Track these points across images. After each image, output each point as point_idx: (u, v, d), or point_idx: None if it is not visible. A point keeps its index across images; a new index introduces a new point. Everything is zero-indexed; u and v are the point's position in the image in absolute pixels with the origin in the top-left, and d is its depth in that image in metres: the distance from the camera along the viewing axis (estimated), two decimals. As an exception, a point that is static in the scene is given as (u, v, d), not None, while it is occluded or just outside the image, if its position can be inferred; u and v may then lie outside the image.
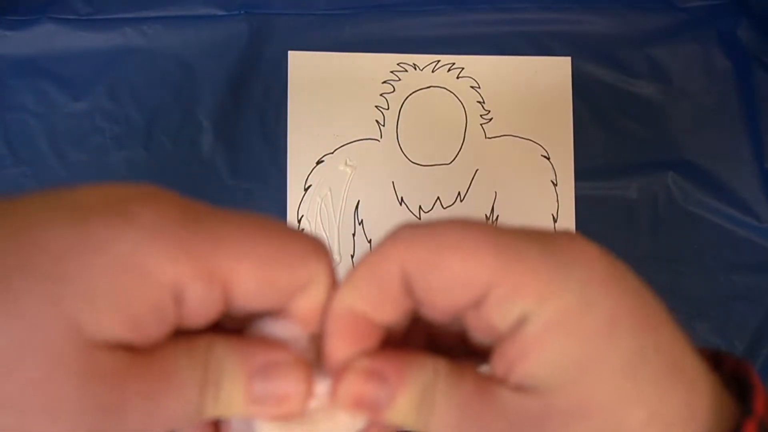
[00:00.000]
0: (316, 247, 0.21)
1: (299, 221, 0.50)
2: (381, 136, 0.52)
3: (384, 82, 0.52)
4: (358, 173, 0.51)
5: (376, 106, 0.52)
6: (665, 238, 0.54)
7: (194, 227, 0.20)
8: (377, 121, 0.52)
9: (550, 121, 0.53)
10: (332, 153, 0.52)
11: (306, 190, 0.51)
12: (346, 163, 0.51)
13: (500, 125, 0.53)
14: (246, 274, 0.20)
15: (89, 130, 0.51)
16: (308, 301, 0.21)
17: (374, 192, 0.51)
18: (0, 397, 0.17)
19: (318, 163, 0.51)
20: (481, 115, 0.53)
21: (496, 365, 0.21)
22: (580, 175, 0.53)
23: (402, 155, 0.52)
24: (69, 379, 0.17)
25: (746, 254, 0.54)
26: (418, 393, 0.21)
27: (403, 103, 0.52)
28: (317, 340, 0.22)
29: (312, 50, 0.52)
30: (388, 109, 0.52)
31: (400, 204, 0.51)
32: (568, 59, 0.54)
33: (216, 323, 0.21)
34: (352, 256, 0.50)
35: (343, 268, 0.49)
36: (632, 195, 0.54)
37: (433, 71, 0.53)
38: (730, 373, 0.23)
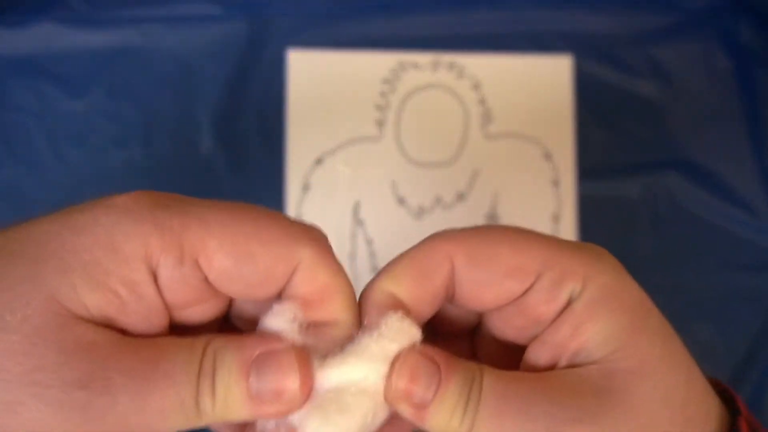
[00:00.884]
0: (304, 229, 0.22)
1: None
2: (381, 136, 0.52)
3: (384, 81, 0.52)
4: (358, 173, 0.51)
5: (376, 106, 0.52)
6: (665, 238, 0.53)
7: (165, 208, 0.21)
8: (377, 120, 0.52)
9: (551, 120, 0.53)
10: (332, 152, 0.51)
11: (305, 190, 0.51)
12: (345, 163, 0.51)
13: (501, 125, 0.53)
14: (218, 249, 0.20)
15: (88, 130, 0.51)
16: (303, 283, 0.22)
17: (374, 192, 0.51)
18: (2, 354, 0.18)
19: (317, 162, 0.51)
20: (481, 115, 0.53)
21: (539, 353, 0.22)
22: (580, 174, 0.53)
23: (402, 155, 0.52)
24: (48, 350, 0.18)
25: (746, 254, 0.54)
26: (464, 386, 0.21)
27: (403, 102, 0.52)
28: (314, 329, 0.22)
29: (312, 50, 0.52)
30: (388, 108, 0.52)
31: (400, 204, 0.51)
32: (569, 59, 0.54)
33: (231, 329, 0.23)
34: (352, 257, 0.50)
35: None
36: (632, 195, 0.54)
37: (433, 70, 0.53)
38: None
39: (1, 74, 0.51)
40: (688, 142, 0.54)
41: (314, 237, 0.22)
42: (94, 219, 0.21)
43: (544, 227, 0.52)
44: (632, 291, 0.23)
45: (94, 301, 0.20)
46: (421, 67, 0.53)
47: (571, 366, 0.21)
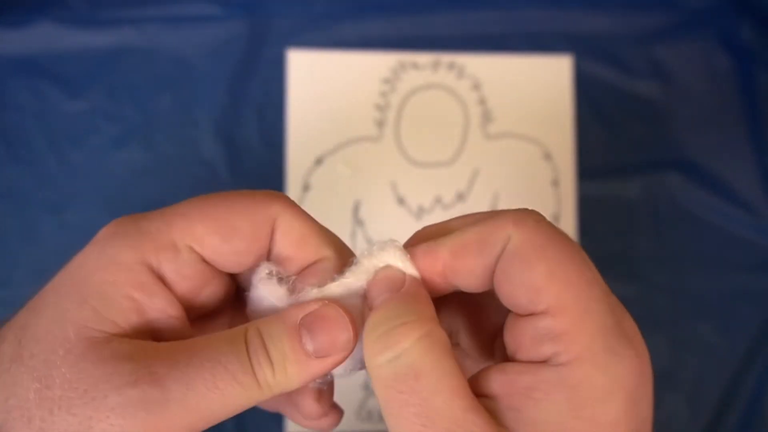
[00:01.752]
0: (269, 193, 0.24)
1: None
2: (381, 136, 0.52)
3: (384, 81, 0.52)
4: (358, 173, 0.51)
5: (376, 106, 0.52)
6: (665, 238, 0.53)
7: (145, 219, 0.23)
8: (377, 120, 0.52)
9: (551, 120, 0.53)
10: (332, 152, 0.51)
11: (305, 190, 0.51)
12: (345, 163, 0.51)
13: (501, 125, 0.53)
14: (204, 232, 0.23)
15: (88, 130, 0.51)
16: (284, 237, 0.24)
17: (374, 192, 0.51)
18: (61, 386, 0.21)
19: (317, 162, 0.51)
20: (481, 115, 0.53)
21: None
22: (580, 174, 0.53)
23: (402, 155, 0.52)
24: (95, 369, 0.21)
25: (747, 254, 0.54)
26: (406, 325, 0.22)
27: (403, 102, 0.52)
28: (306, 271, 0.25)
29: (312, 49, 0.52)
30: (387, 108, 0.52)
31: (400, 204, 0.51)
32: (569, 59, 0.54)
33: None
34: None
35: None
36: (633, 195, 0.53)
37: (433, 70, 0.53)
38: None
39: (1, 74, 0.51)
40: (688, 142, 0.54)
41: (280, 196, 0.24)
42: (86, 254, 0.24)
43: (544, 227, 0.52)
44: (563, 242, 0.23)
45: (117, 315, 0.22)
46: (421, 67, 0.53)
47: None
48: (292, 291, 0.24)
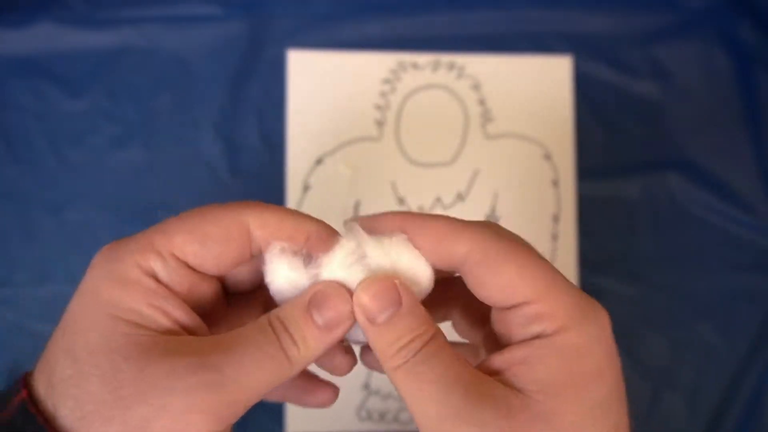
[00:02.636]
0: (241, 202, 0.28)
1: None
2: (381, 136, 0.52)
3: (384, 81, 0.52)
4: (358, 173, 0.51)
5: (376, 106, 0.52)
6: (665, 238, 0.53)
7: (130, 241, 0.27)
8: (377, 120, 0.52)
9: (551, 120, 0.53)
10: (332, 153, 0.51)
11: (305, 190, 0.51)
12: (345, 163, 0.51)
13: (501, 125, 0.53)
14: (183, 241, 0.26)
15: (88, 130, 0.51)
16: (260, 232, 0.27)
17: (374, 192, 0.51)
18: (131, 385, 0.23)
19: (317, 162, 0.51)
20: (481, 115, 0.53)
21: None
22: (580, 174, 0.53)
23: (402, 155, 0.52)
24: (153, 364, 0.24)
25: (746, 254, 0.54)
26: (412, 329, 0.26)
27: (403, 102, 0.52)
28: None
29: (312, 50, 0.52)
30: (387, 108, 0.52)
31: (400, 204, 0.51)
32: (569, 59, 0.54)
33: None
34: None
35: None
36: (633, 195, 0.54)
37: (433, 70, 0.53)
38: None
39: (1, 74, 0.51)
40: (688, 142, 0.54)
41: (251, 203, 0.28)
42: (94, 279, 0.26)
43: (544, 227, 0.52)
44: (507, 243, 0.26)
45: (150, 322, 0.25)
46: (420, 68, 0.53)
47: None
48: (308, 261, 0.28)
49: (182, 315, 0.26)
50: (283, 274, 0.27)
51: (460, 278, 0.28)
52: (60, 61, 0.51)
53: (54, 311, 0.50)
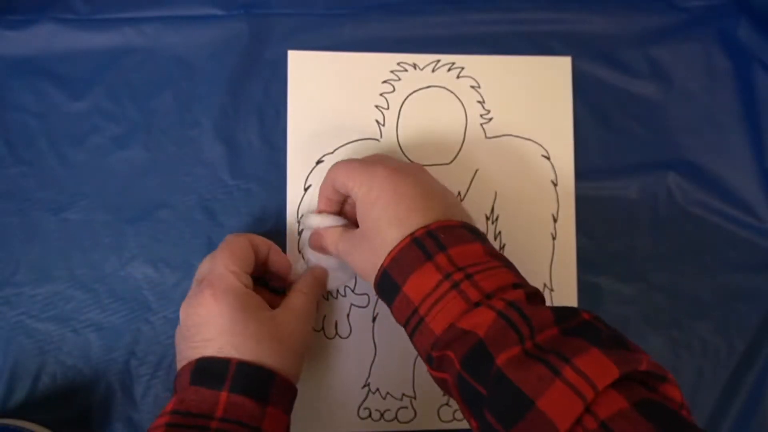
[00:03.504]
0: (259, 238, 0.47)
1: (299, 221, 0.50)
2: (381, 136, 0.52)
3: (384, 81, 0.52)
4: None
5: (376, 106, 0.52)
6: (665, 238, 0.54)
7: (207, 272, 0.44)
8: (377, 120, 0.52)
9: (551, 120, 0.53)
10: (332, 153, 0.51)
11: (306, 189, 0.51)
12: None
13: (500, 125, 0.53)
14: (236, 267, 0.43)
15: (89, 130, 0.51)
16: (271, 257, 0.48)
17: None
18: (242, 309, 0.41)
19: (318, 162, 0.51)
20: (481, 115, 0.53)
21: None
22: (580, 174, 0.53)
23: (402, 155, 0.52)
24: (251, 301, 0.43)
25: (746, 254, 0.54)
26: (335, 233, 0.46)
27: (403, 102, 0.52)
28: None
29: (312, 50, 0.52)
30: (388, 108, 0.52)
31: (400, 204, 0.51)
32: (569, 59, 0.54)
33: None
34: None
35: (345, 269, 0.49)
36: (632, 195, 0.54)
37: (433, 71, 0.53)
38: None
39: (2, 74, 0.51)
40: (687, 142, 0.54)
41: (265, 239, 0.47)
42: (204, 295, 0.42)
43: (543, 226, 0.52)
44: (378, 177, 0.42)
45: (249, 266, 0.45)
46: (420, 68, 0.53)
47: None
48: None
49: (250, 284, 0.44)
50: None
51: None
52: (60, 61, 0.51)
53: (54, 311, 0.50)
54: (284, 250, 0.50)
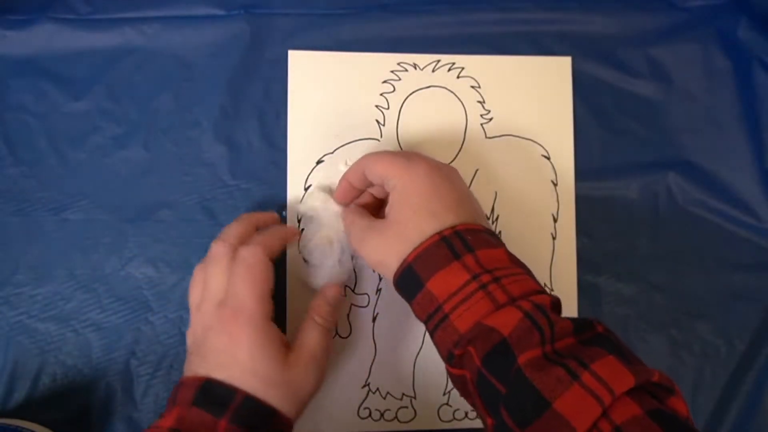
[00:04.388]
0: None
1: (299, 221, 0.50)
2: (381, 136, 0.52)
3: (384, 81, 0.52)
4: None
5: (377, 106, 0.52)
6: (665, 238, 0.54)
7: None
8: (377, 120, 0.52)
9: (551, 121, 0.53)
10: (332, 153, 0.51)
11: (306, 189, 0.51)
12: (346, 163, 0.51)
13: (500, 125, 0.53)
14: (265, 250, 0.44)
15: (89, 130, 0.51)
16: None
17: (374, 192, 0.51)
18: (265, 338, 0.41)
19: (318, 162, 0.51)
20: (481, 115, 0.53)
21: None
22: (580, 174, 0.53)
23: (402, 155, 0.52)
24: (271, 333, 0.42)
25: (746, 254, 0.54)
26: (356, 213, 0.47)
27: (403, 102, 0.52)
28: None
29: (312, 50, 0.52)
30: (388, 108, 0.52)
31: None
32: (569, 59, 0.54)
33: None
34: (352, 255, 0.50)
35: (344, 266, 0.49)
36: (632, 195, 0.54)
37: (433, 71, 0.53)
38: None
39: (2, 74, 0.51)
40: (687, 142, 0.54)
41: (274, 234, 0.46)
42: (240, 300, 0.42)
43: (543, 226, 0.52)
44: (417, 177, 0.42)
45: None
46: (421, 68, 0.53)
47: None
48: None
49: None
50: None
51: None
52: (60, 61, 0.51)
53: (54, 311, 0.50)
54: (284, 250, 0.50)
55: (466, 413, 0.51)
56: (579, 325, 0.37)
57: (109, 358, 0.50)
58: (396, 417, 0.51)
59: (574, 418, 0.32)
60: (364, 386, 0.51)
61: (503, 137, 0.53)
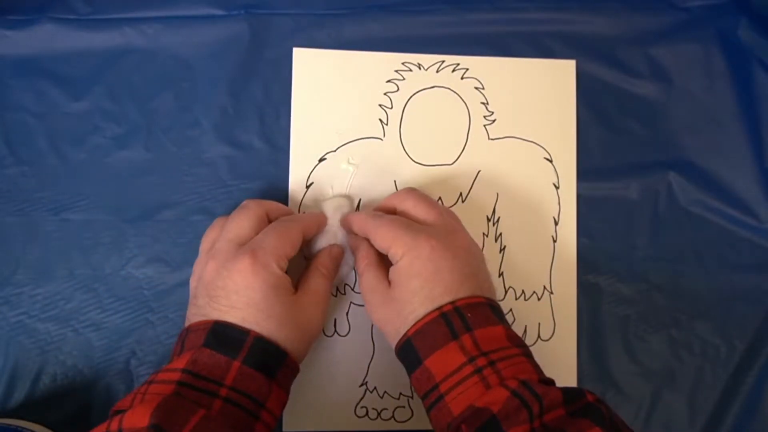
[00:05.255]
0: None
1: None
2: (384, 135, 0.52)
3: (388, 81, 0.52)
4: (361, 172, 0.51)
5: (380, 105, 0.52)
6: (665, 238, 0.54)
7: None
8: (380, 120, 0.52)
9: (554, 124, 0.53)
10: (335, 151, 0.51)
11: (308, 187, 0.51)
12: (348, 162, 0.51)
13: (503, 127, 0.53)
14: (283, 251, 0.44)
15: (89, 130, 0.51)
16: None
17: (376, 191, 0.51)
18: (275, 288, 0.42)
19: (321, 160, 0.51)
20: (484, 116, 0.53)
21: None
22: (580, 175, 0.53)
23: (405, 155, 0.52)
24: (282, 285, 0.43)
25: (746, 254, 0.54)
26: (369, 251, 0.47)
27: (406, 102, 0.52)
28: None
29: (316, 48, 0.52)
30: (391, 108, 0.52)
31: (401, 204, 0.51)
32: (573, 63, 0.54)
33: None
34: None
35: (344, 265, 0.49)
36: (632, 195, 0.54)
37: (437, 71, 0.53)
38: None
39: (2, 74, 0.51)
40: (687, 142, 0.54)
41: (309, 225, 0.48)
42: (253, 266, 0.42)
43: (544, 229, 0.53)
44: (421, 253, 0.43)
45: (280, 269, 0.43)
46: (425, 68, 0.53)
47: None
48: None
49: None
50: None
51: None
52: (61, 61, 0.51)
53: (54, 311, 0.50)
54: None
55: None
56: (569, 395, 0.38)
57: (109, 358, 0.50)
58: (393, 416, 0.51)
59: None
60: (362, 385, 0.51)
61: (506, 139, 0.53)
